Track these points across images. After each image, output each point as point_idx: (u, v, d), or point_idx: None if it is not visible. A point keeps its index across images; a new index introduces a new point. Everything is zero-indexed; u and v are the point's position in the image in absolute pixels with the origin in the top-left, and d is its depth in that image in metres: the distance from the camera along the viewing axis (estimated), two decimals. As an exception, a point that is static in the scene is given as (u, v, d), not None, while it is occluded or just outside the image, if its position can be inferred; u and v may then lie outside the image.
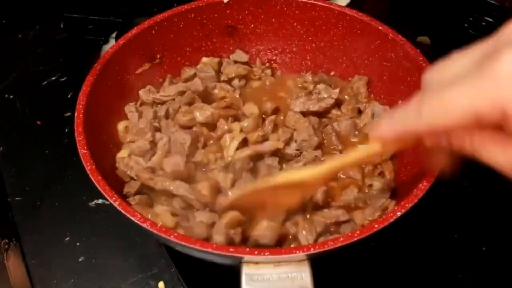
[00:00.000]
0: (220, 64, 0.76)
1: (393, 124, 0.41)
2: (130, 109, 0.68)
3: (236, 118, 0.68)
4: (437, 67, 0.40)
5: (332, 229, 0.57)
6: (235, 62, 0.76)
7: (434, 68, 0.40)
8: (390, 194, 0.60)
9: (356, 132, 0.68)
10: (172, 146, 0.63)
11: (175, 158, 0.61)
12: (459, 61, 0.38)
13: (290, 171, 0.58)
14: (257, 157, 0.63)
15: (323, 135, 0.68)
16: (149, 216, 0.55)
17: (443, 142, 0.41)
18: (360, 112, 0.70)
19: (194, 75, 0.73)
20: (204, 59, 0.76)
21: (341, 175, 0.63)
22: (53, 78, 0.91)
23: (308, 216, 0.58)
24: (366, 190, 0.62)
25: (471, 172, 0.73)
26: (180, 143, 0.62)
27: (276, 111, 0.71)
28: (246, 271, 0.46)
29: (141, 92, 0.69)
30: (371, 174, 0.63)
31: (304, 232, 0.55)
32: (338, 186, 0.62)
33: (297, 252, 0.45)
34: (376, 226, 0.47)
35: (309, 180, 0.51)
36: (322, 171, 0.50)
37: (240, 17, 0.75)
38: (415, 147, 0.49)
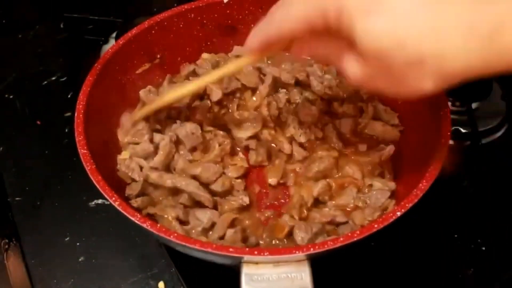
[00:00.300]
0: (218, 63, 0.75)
1: (255, 36, 0.48)
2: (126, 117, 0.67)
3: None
4: None
5: (328, 229, 0.58)
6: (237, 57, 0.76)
7: None
8: (390, 194, 0.60)
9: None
10: (184, 139, 0.64)
11: (190, 125, 0.64)
12: None
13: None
14: None
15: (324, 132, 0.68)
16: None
17: (305, 51, 0.49)
18: (362, 111, 0.70)
19: (194, 71, 0.73)
20: (204, 55, 0.75)
21: (341, 175, 0.63)
22: (53, 78, 0.91)
23: (305, 212, 0.58)
24: (366, 190, 0.62)
25: (471, 172, 0.74)
26: (192, 132, 0.64)
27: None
28: (246, 271, 0.46)
29: (141, 92, 0.69)
30: (371, 174, 0.63)
31: (298, 231, 0.55)
32: (337, 185, 0.62)
33: (297, 252, 0.45)
34: (376, 226, 0.47)
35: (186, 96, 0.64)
36: (199, 85, 0.61)
37: (240, 17, 0.75)
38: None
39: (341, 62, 0.42)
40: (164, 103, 0.62)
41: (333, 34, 0.40)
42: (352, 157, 0.65)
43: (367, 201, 0.60)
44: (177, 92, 0.62)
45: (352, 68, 0.41)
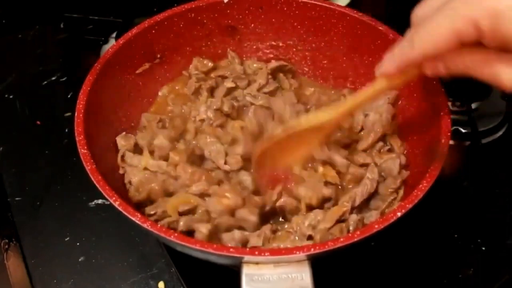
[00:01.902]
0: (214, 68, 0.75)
1: (393, 59, 0.46)
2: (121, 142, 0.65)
3: None
4: (420, 5, 0.44)
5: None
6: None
7: (418, 7, 0.45)
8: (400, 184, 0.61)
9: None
10: None
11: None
12: None
13: (308, 116, 0.59)
14: None
15: None
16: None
17: (441, 68, 0.45)
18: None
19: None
20: (195, 60, 0.75)
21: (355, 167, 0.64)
22: (53, 78, 0.91)
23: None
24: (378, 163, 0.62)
25: (471, 172, 0.74)
26: None
27: None
28: (247, 271, 0.46)
29: (117, 138, 0.65)
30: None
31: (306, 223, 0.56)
32: (353, 178, 0.62)
33: (297, 252, 0.45)
34: (376, 226, 0.47)
35: (327, 123, 0.54)
36: (338, 112, 0.54)
37: (240, 17, 0.75)
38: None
39: (491, 72, 0.40)
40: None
41: (484, 44, 0.39)
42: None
43: (382, 173, 0.61)
44: (313, 120, 0.55)
45: (510, 75, 0.39)
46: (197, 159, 0.64)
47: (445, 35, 0.39)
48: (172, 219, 0.56)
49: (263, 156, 0.58)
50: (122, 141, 0.65)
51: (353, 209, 0.58)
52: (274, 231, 0.57)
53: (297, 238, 0.56)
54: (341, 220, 0.56)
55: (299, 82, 0.76)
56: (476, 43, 0.39)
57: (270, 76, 0.74)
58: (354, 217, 0.56)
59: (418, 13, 0.44)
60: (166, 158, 0.63)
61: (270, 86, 0.73)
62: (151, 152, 0.64)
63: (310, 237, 0.55)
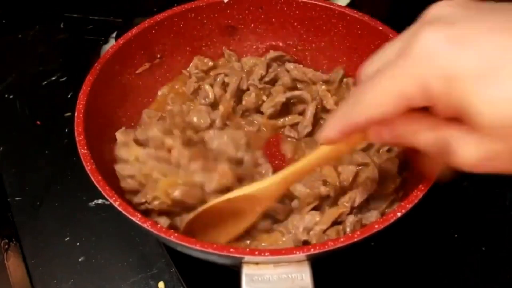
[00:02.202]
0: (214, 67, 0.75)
1: (335, 123, 0.41)
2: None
3: None
4: (368, 61, 0.40)
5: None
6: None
7: (366, 63, 0.40)
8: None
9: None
10: None
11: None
12: (387, 50, 0.38)
13: (244, 187, 0.54)
14: None
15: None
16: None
17: (386, 135, 0.40)
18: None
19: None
20: (195, 60, 0.75)
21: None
22: (53, 78, 0.91)
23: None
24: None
25: (471, 172, 0.74)
26: None
27: None
28: (246, 271, 0.46)
29: (117, 133, 0.64)
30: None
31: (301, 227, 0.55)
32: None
33: (297, 252, 0.45)
34: (376, 226, 0.47)
35: (262, 193, 0.50)
36: (274, 182, 0.50)
37: (240, 17, 0.75)
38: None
39: (442, 147, 0.35)
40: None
41: (434, 111, 0.34)
42: None
43: (381, 173, 0.60)
44: (247, 189, 0.52)
45: (465, 152, 0.33)
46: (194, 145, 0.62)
47: (392, 98, 0.35)
48: (164, 201, 0.54)
49: (192, 224, 0.53)
50: (121, 136, 0.64)
51: (352, 210, 0.58)
52: (267, 230, 0.57)
53: (292, 241, 0.55)
54: (338, 222, 0.56)
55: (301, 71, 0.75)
56: (427, 111, 0.35)
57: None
58: (351, 219, 0.55)
59: (365, 71, 0.40)
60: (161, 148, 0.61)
61: (269, 75, 0.73)
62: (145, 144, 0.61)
63: (306, 242, 0.55)
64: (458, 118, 0.33)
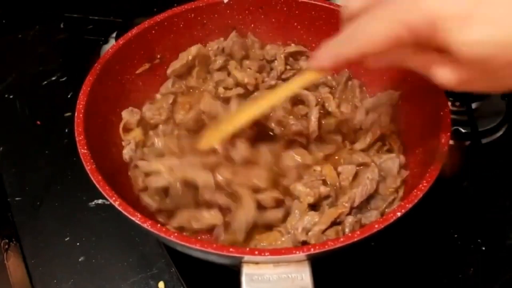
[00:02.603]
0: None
1: (329, 54, 0.45)
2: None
3: None
4: None
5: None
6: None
7: None
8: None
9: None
10: None
11: None
12: None
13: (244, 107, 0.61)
14: None
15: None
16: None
17: (382, 61, 0.46)
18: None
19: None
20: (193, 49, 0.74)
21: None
22: (53, 78, 0.91)
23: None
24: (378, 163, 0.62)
25: (471, 172, 0.74)
26: None
27: None
28: (246, 271, 0.46)
29: (123, 113, 0.67)
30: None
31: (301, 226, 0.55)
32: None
33: (297, 252, 0.45)
34: (376, 226, 0.47)
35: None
36: (261, 105, 0.55)
37: (240, 17, 0.75)
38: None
39: (429, 70, 0.41)
40: (236, 127, 0.58)
41: (421, 46, 0.40)
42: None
43: (381, 173, 0.61)
44: (246, 114, 0.57)
45: (446, 75, 0.40)
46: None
47: (383, 36, 0.39)
48: None
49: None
50: (126, 115, 0.66)
51: (352, 210, 0.58)
52: (267, 228, 0.58)
53: (291, 241, 0.56)
54: (337, 222, 0.56)
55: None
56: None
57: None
58: (350, 219, 0.55)
59: (350, 6, 0.44)
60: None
61: (287, 73, 0.74)
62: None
63: (305, 243, 0.55)
64: (441, 49, 0.38)
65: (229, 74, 0.74)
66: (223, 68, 0.74)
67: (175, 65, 0.72)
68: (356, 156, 0.63)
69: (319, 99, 0.71)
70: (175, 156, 0.61)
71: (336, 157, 0.64)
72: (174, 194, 0.58)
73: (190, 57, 0.72)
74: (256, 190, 0.58)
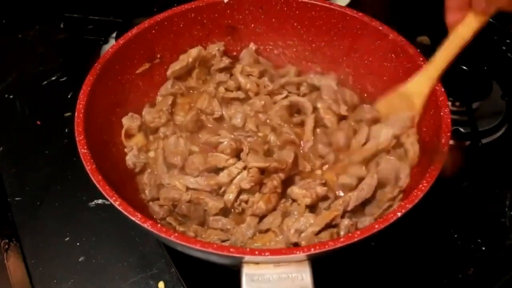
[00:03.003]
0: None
1: (450, 6, 0.52)
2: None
3: None
4: None
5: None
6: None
7: None
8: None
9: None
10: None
11: None
12: None
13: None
14: None
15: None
16: None
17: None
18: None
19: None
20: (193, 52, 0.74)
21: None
22: (53, 78, 0.91)
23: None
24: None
25: (471, 172, 0.74)
26: None
27: None
28: (247, 271, 0.46)
29: (124, 119, 0.67)
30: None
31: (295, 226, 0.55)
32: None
33: (297, 252, 0.45)
34: (376, 226, 0.47)
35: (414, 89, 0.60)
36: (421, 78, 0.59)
37: (240, 17, 0.75)
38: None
39: None
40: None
41: None
42: None
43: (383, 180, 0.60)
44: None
45: None
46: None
47: None
48: None
49: None
50: (127, 122, 0.66)
51: (345, 213, 0.57)
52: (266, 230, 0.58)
53: (283, 243, 0.56)
54: (332, 225, 0.56)
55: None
56: None
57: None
58: (346, 222, 0.55)
59: None
60: None
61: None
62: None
63: (296, 245, 0.55)
64: None
65: (231, 76, 0.74)
66: (226, 69, 0.74)
67: (175, 67, 0.72)
68: (354, 170, 0.62)
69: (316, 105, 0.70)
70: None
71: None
72: (183, 208, 0.59)
73: (190, 59, 0.72)
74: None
